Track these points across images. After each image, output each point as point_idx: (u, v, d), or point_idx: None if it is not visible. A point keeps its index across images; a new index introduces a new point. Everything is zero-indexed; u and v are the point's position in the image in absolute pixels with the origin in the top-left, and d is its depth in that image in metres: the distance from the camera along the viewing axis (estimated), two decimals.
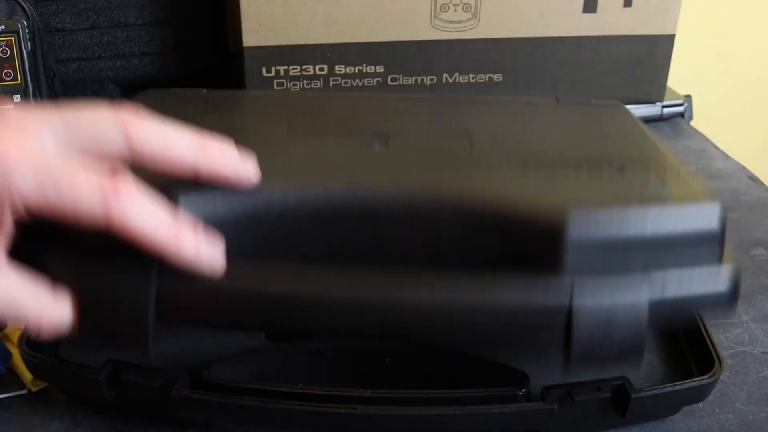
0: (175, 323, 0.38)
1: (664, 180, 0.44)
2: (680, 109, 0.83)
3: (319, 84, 0.74)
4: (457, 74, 0.75)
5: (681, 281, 0.39)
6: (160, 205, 0.36)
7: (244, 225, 0.40)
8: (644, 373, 0.43)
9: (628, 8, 0.75)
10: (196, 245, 0.37)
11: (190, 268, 0.37)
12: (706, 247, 0.40)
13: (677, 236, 0.39)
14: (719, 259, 0.40)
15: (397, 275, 0.39)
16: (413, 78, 0.75)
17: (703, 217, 0.40)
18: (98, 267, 0.38)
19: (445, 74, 0.75)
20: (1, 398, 0.45)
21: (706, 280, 0.39)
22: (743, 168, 0.75)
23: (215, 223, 0.38)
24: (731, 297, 0.40)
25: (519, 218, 0.39)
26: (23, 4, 0.69)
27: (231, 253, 0.38)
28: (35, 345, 0.43)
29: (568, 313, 0.37)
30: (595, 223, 0.38)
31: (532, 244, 0.39)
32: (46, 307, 0.37)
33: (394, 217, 0.40)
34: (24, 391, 0.45)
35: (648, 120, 0.81)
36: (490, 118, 0.55)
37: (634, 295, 0.38)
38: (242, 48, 0.72)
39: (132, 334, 0.37)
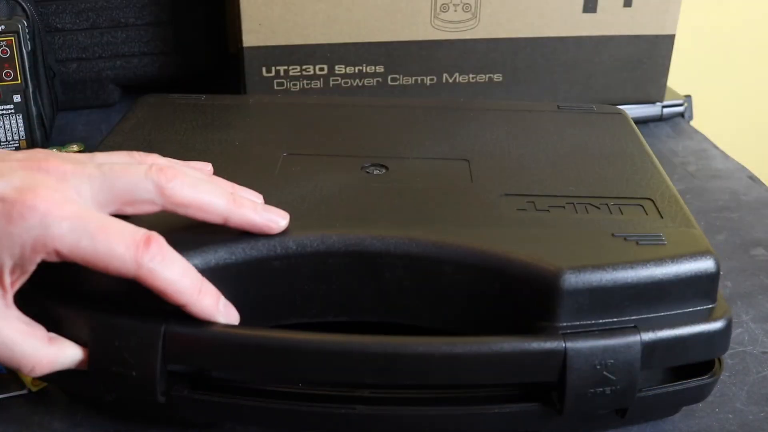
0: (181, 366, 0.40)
1: (662, 224, 0.44)
2: (680, 109, 0.83)
3: (319, 84, 0.74)
4: (457, 74, 0.75)
5: (673, 329, 0.40)
6: (185, 261, 0.38)
7: (247, 272, 0.41)
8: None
9: (628, 8, 0.75)
10: (217, 299, 0.39)
11: (208, 319, 0.39)
12: (700, 296, 0.41)
13: (671, 288, 0.41)
14: (712, 308, 0.41)
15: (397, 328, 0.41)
16: (413, 78, 0.75)
17: (697, 269, 0.41)
18: (109, 312, 0.39)
19: (445, 74, 0.75)
20: (1, 398, 0.45)
21: (699, 327, 0.40)
22: (743, 168, 0.75)
23: (217, 270, 0.40)
24: (723, 342, 0.41)
25: (517, 272, 0.40)
26: (23, 4, 0.69)
27: (236, 299, 0.40)
28: None
29: (562, 371, 0.38)
30: (589, 279, 0.39)
31: (528, 298, 0.40)
32: (41, 354, 0.38)
33: (395, 268, 0.42)
34: (24, 391, 0.45)
35: (648, 120, 0.81)
36: (489, 139, 0.55)
37: (626, 344, 0.39)
38: (242, 48, 0.72)
39: (140, 379, 0.38)
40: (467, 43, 0.74)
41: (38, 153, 0.39)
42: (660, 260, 0.40)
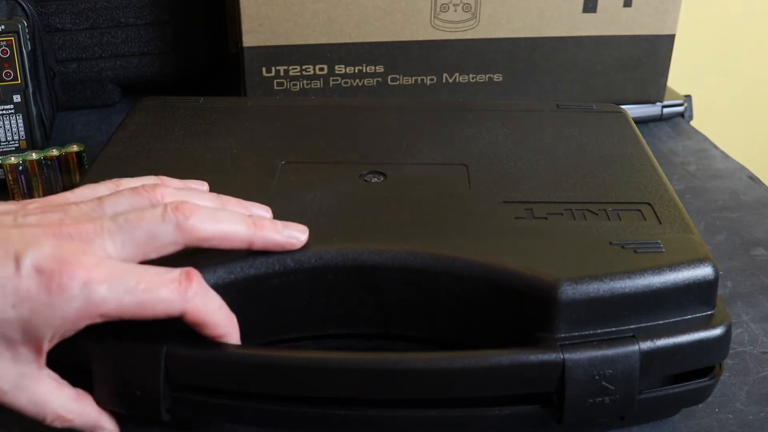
0: (184, 388, 0.40)
1: (660, 230, 0.44)
2: (680, 109, 0.83)
3: (319, 84, 0.74)
4: (457, 74, 0.75)
5: (672, 338, 0.40)
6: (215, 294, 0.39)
7: (246, 290, 0.41)
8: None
9: (628, 8, 0.75)
10: (237, 327, 0.40)
11: (222, 339, 0.39)
12: (699, 303, 0.41)
13: (669, 296, 0.41)
14: (711, 315, 0.41)
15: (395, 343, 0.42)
16: (413, 78, 0.75)
17: (696, 276, 0.41)
18: (112, 335, 0.39)
19: (445, 74, 0.75)
20: None
21: (698, 334, 0.40)
22: (743, 168, 0.75)
23: (217, 289, 0.39)
24: (722, 349, 0.41)
25: (514, 283, 0.40)
26: (23, 4, 0.69)
27: (236, 316, 0.40)
28: None
29: (560, 382, 0.38)
30: (586, 290, 0.39)
31: (526, 309, 0.40)
32: (67, 409, 0.39)
33: (393, 281, 0.42)
34: None
35: (648, 120, 0.81)
36: (488, 143, 0.55)
37: (625, 354, 0.39)
38: (242, 48, 0.72)
39: (144, 399, 0.39)
40: (467, 43, 0.74)
41: (52, 214, 0.39)
42: (658, 269, 0.40)
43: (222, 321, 0.38)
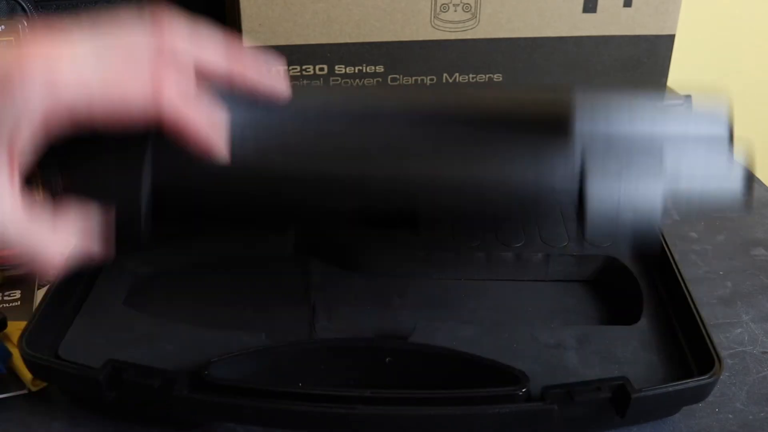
0: (167, 214, 0.38)
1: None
2: None
3: (319, 84, 0.74)
4: (457, 74, 0.75)
5: (693, 170, 0.39)
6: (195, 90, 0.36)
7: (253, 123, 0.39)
8: (644, 373, 0.43)
9: (628, 8, 0.75)
10: (222, 136, 0.37)
11: (207, 152, 0.36)
12: (716, 141, 0.40)
13: (684, 129, 0.40)
14: (729, 154, 0.40)
15: (407, 149, 0.38)
16: (413, 78, 0.75)
17: (711, 112, 0.40)
18: (91, 163, 0.37)
19: (445, 74, 0.75)
20: (1, 398, 0.45)
21: (718, 171, 0.39)
22: None
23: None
24: (743, 188, 0.40)
25: (530, 100, 0.39)
26: (23, 4, 0.69)
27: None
28: (35, 345, 0.43)
29: (580, 178, 0.37)
30: (604, 107, 0.38)
31: (543, 127, 0.38)
32: (52, 244, 0.35)
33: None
34: (24, 391, 0.45)
35: None
36: None
37: (645, 176, 0.37)
38: None
39: (125, 210, 0.37)
40: (467, 43, 0.74)
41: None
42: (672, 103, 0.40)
43: (199, 123, 0.36)
